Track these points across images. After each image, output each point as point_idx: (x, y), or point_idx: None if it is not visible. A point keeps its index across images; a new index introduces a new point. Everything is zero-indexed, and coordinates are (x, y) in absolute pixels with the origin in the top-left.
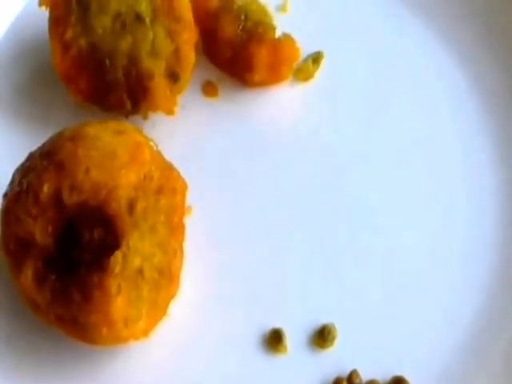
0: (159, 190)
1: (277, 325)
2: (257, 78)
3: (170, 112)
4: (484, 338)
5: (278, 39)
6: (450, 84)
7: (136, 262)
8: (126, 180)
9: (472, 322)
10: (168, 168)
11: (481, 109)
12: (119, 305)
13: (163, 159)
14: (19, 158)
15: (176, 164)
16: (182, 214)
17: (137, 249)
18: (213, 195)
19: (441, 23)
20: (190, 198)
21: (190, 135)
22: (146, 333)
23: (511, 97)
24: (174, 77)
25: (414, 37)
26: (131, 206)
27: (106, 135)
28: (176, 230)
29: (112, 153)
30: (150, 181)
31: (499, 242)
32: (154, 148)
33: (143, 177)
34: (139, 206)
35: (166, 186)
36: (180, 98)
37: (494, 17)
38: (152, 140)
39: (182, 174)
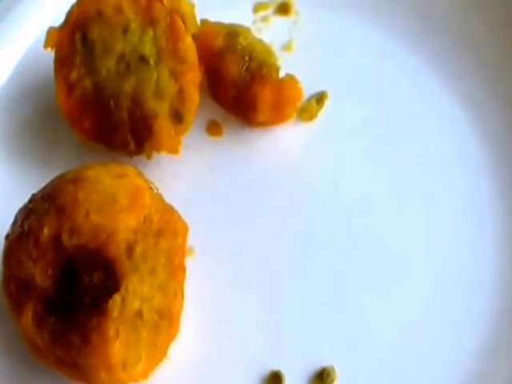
0: (159, 233)
1: (276, 367)
2: (261, 118)
3: (174, 152)
4: None
5: (282, 79)
6: (454, 127)
7: (135, 304)
8: (125, 224)
9: (472, 368)
10: (168, 211)
11: (485, 154)
12: (117, 348)
13: (163, 202)
14: (23, 197)
15: (180, 204)
16: (183, 256)
17: (136, 291)
18: (216, 236)
19: (445, 66)
20: (193, 238)
21: (195, 175)
22: (145, 375)
23: None
24: (178, 117)
25: (418, 78)
26: (130, 250)
27: (106, 179)
28: (176, 271)
29: (112, 197)
30: (149, 224)
31: (499, 291)
32: (155, 191)
33: (143, 220)
34: (138, 250)
35: (166, 229)
36: (184, 138)
37: (498, 62)
38: (152, 183)
39: (186, 213)
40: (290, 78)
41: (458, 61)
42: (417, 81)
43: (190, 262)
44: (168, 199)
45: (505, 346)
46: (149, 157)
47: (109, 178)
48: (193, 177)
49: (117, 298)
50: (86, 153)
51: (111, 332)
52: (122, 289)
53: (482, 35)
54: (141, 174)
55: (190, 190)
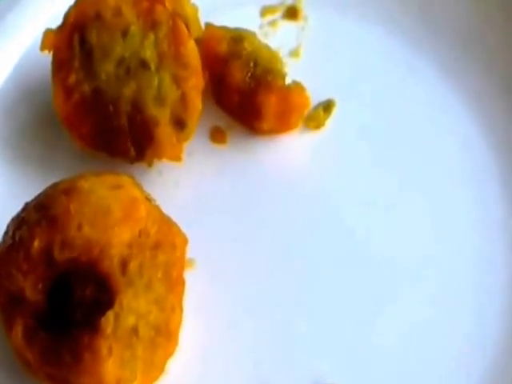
0: (156, 246)
1: None
2: (266, 126)
3: (176, 159)
4: None
5: (288, 87)
6: (465, 134)
7: (130, 320)
8: (119, 238)
9: None
10: (166, 223)
11: (493, 160)
12: (110, 367)
13: (161, 214)
14: (18, 205)
15: (181, 213)
16: (182, 269)
17: (131, 307)
18: (217, 247)
19: (456, 75)
20: (194, 249)
21: (197, 183)
22: None
23: None
24: (180, 124)
25: (427, 87)
26: (124, 265)
27: (100, 190)
28: (175, 285)
29: (106, 209)
30: (146, 237)
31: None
32: (152, 202)
33: (138, 233)
34: (133, 264)
35: (164, 242)
36: (187, 145)
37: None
38: (150, 194)
39: (187, 223)
40: (297, 85)
41: (469, 68)
42: (427, 88)
43: (189, 275)
44: (169, 208)
45: None
46: (150, 164)
47: (103, 189)
48: (195, 185)
49: (110, 314)
50: (84, 159)
51: (104, 350)
52: (116, 305)
53: (496, 45)
54: (138, 185)
55: (193, 198)
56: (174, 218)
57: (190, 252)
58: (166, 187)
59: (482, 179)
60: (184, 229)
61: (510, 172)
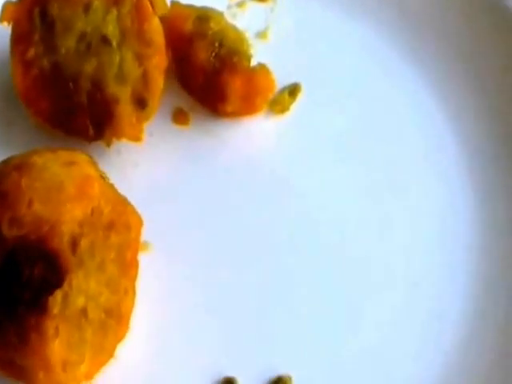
0: (110, 226)
1: (230, 373)
2: (229, 108)
3: (135, 139)
4: None
5: (253, 69)
6: (431, 125)
7: (79, 302)
8: (71, 215)
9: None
10: (121, 202)
11: (460, 153)
12: (57, 348)
13: (116, 193)
14: None
15: (139, 195)
16: (136, 251)
17: (81, 288)
18: (175, 231)
19: (425, 63)
20: (150, 232)
21: (157, 165)
22: (88, 376)
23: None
24: (141, 103)
25: (395, 74)
26: (74, 244)
27: (54, 166)
28: (128, 267)
29: (58, 185)
30: (99, 216)
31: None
32: (107, 181)
33: (91, 212)
34: (84, 243)
35: (118, 222)
36: (148, 125)
37: (483, 66)
38: (105, 172)
39: (144, 205)
40: (262, 67)
41: (438, 56)
42: (394, 76)
43: (144, 258)
44: (127, 189)
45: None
46: (108, 144)
47: (56, 166)
48: (155, 166)
49: (58, 294)
50: (41, 136)
51: (50, 331)
52: (65, 285)
53: (465, 33)
54: (92, 163)
55: (151, 180)
56: (131, 200)
57: (146, 235)
58: (124, 167)
59: (449, 171)
60: (141, 211)
61: (476, 167)
